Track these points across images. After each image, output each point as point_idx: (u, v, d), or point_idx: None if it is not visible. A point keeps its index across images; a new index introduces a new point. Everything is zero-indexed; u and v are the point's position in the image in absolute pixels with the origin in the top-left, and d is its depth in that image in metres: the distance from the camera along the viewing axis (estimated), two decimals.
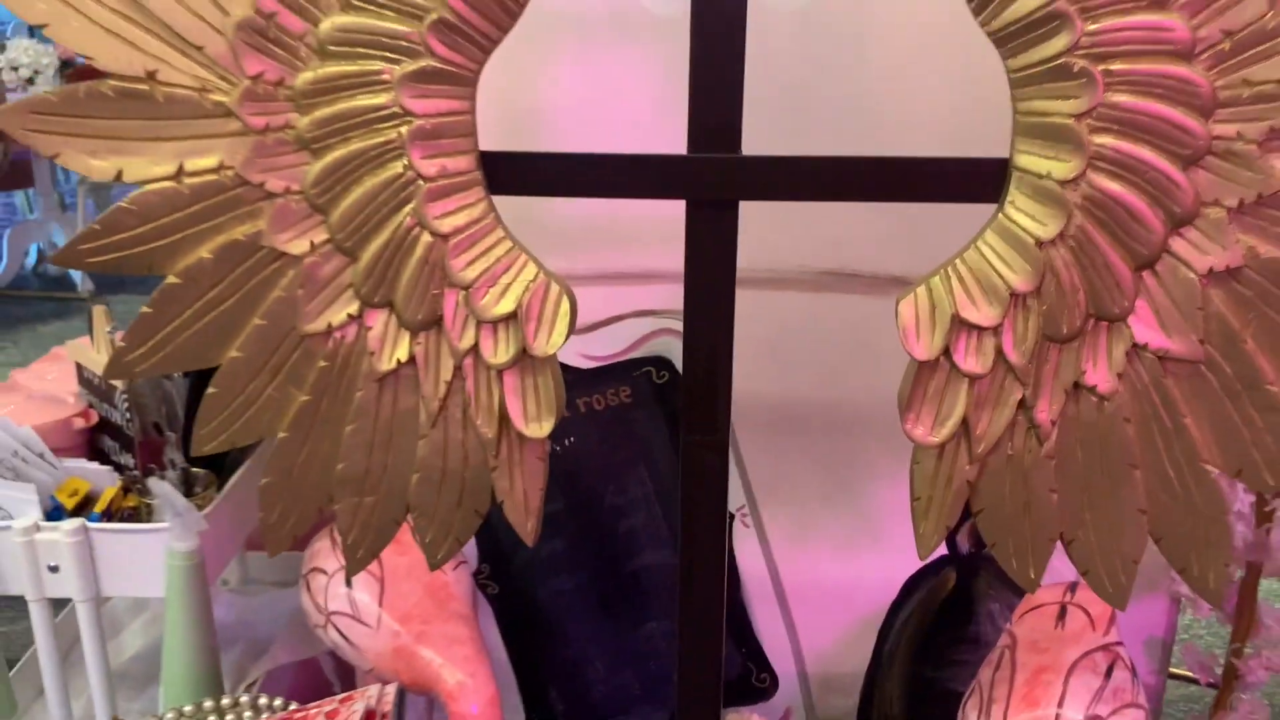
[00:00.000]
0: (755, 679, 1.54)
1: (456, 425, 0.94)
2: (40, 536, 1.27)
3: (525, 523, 0.96)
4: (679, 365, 1.45)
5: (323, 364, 0.94)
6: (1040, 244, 0.84)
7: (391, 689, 1.14)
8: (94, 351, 1.39)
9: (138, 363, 0.93)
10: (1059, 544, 0.93)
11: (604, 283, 1.44)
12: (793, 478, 1.51)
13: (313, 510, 0.98)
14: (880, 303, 0.97)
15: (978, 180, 0.87)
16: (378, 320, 0.92)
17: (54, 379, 1.51)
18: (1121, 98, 0.81)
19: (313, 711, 1.15)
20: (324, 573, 1.30)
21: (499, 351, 0.91)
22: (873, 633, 1.47)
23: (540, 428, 0.93)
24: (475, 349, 0.91)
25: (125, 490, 1.33)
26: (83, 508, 1.32)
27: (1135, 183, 0.82)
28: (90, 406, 1.43)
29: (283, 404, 0.95)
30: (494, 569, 1.50)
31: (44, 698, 1.38)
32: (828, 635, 1.55)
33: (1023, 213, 0.85)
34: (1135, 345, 0.86)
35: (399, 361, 0.93)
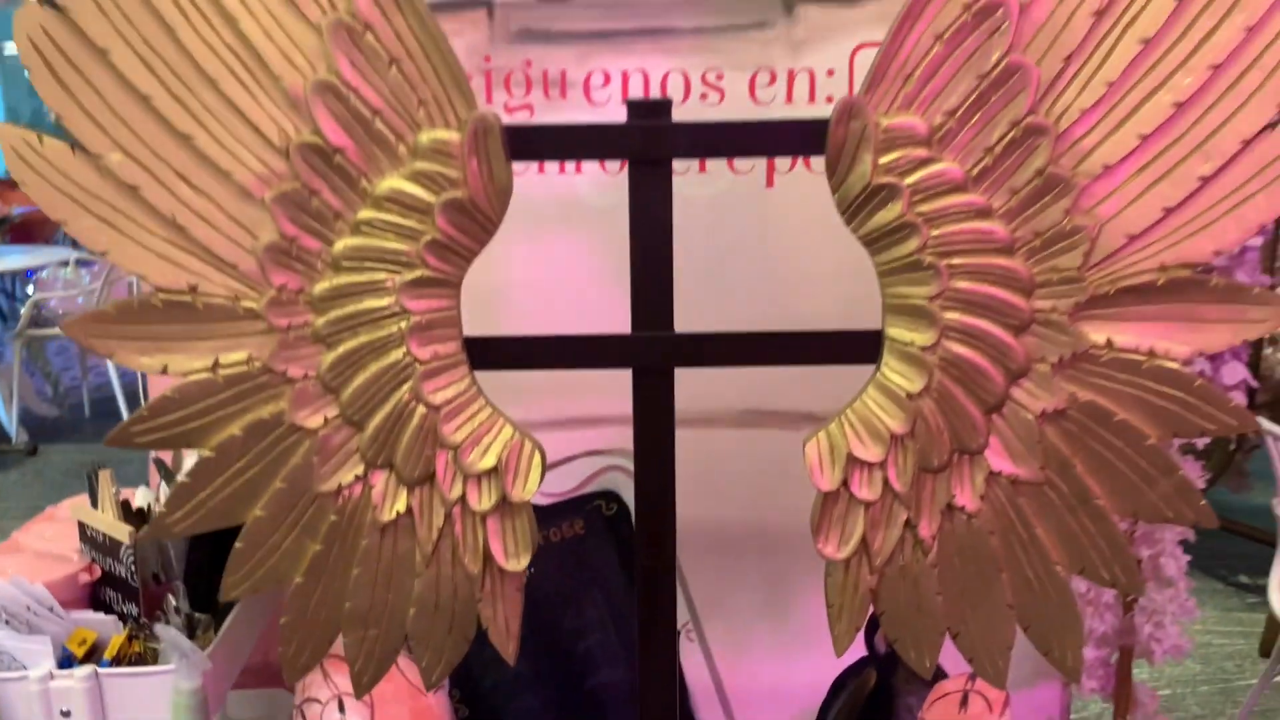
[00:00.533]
0: None
1: (447, 564, 1.13)
2: (55, 684, 1.40)
3: (507, 645, 1.14)
4: (626, 498, 1.66)
5: (333, 518, 1.12)
6: (910, 396, 1.07)
7: None
8: (99, 511, 1.54)
9: (177, 524, 1.10)
10: (947, 637, 1.14)
11: (557, 427, 1.64)
12: (731, 594, 1.70)
13: (325, 643, 1.15)
14: (796, 435, 1.18)
15: (861, 347, 1.11)
16: (380, 479, 1.11)
17: (52, 537, 1.64)
18: (963, 284, 1.06)
19: None
20: (318, 701, 1.44)
21: (483, 500, 1.10)
22: None
23: (519, 563, 1.12)
24: (463, 499, 1.11)
25: (131, 637, 1.46)
26: (90, 655, 1.45)
27: (979, 347, 1.06)
28: (94, 562, 1.57)
29: (299, 553, 1.13)
30: (465, 692, 1.65)
31: None
32: None
33: (895, 372, 1.08)
34: (992, 472, 1.09)
35: (398, 513, 1.11)
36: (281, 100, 1.03)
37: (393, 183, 1.04)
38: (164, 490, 1.61)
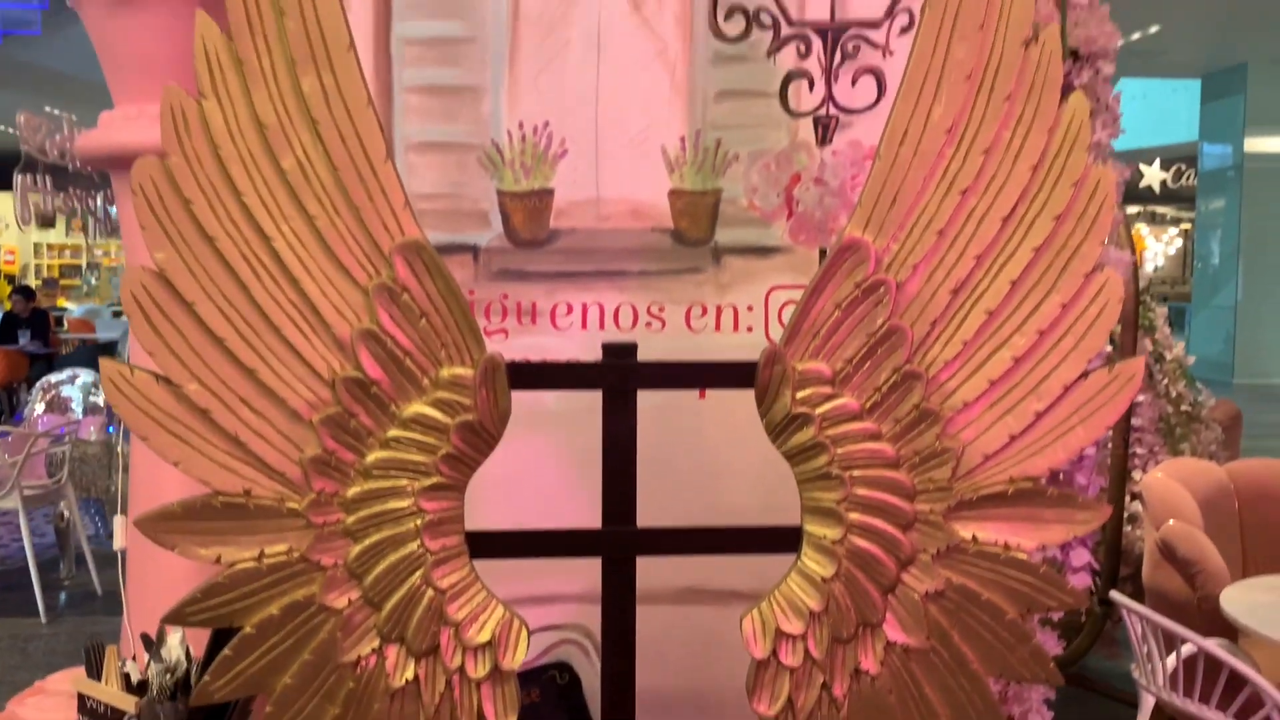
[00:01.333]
0: None
1: None
2: None
3: None
4: (577, 669, 1.89)
5: (351, 685, 1.33)
6: (824, 580, 1.36)
7: None
8: (102, 683, 1.70)
9: (218, 690, 1.30)
10: None
11: (517, 604, 1.87)
12: None
13: None
14: (727, 610, 1.43)
15: (784, 540, 1.40)
16: (393, 651, 1.33)
17: (50, 708, 1.79)
18: (862, 491, 1.36)
19: None
20: None
21: (479, 668, 1.34)
22: None
23: None
24: (461, 668, 1.34)
25: None
26: None
27: (877, 541, 1.36)
28: None
29: (319, 716, 1.33)
30: None
31: None
32: None
33: (812, 561, 1.37)
34: (889, 642, 1.37)
35: (407, 680, 1.34)
36: (331, 343, 1.30)
37: (417, 408, 1.32)
38: (151, 663, 1.78)
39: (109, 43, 2.09)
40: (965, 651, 1.38)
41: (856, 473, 1.36)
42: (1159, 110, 16.84)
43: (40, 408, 6.23)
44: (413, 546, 1.33)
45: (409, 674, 1.33)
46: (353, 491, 1.32)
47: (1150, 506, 3.31)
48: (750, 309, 1.87)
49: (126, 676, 1.74)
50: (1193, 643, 2.32)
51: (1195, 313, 15.12)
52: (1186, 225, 17.58)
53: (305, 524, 1.31)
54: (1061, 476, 1.75)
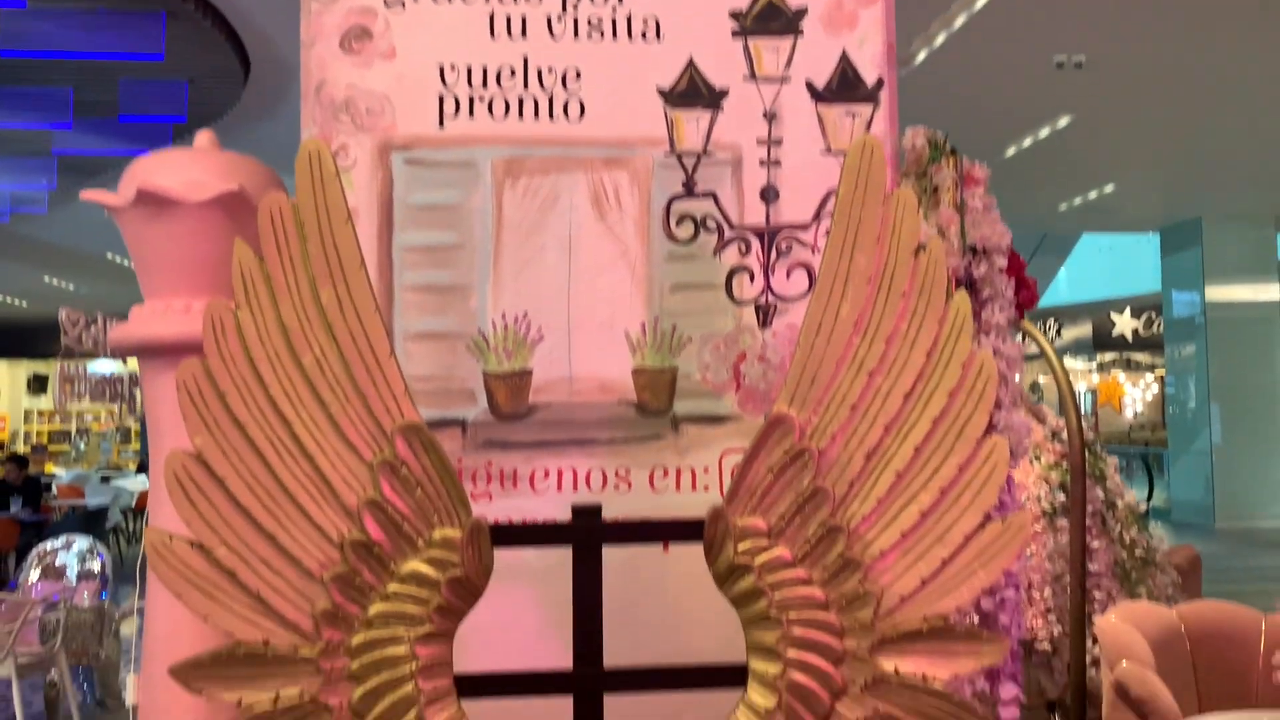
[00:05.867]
0: None
1: None
2: None
3: None
4: None
5: None
6: (767, 711, 1.56)
7: None
8: None
9: None
10: None
11: None
12: None
13: None
14: None
15: (733, 676, 1.60)
16: None
17: None
18: (797, 630, 1.58)
19: None
20: None
21: None
22: None
23: None
24: None
25: None
26: None
27: (811, 674, 1.57)
28: None
29: None
30: None
31: None
32: None
33: (756, 694, 1.57)
34: None
35: None
36: (340, 510, 1.54)
37: (413, 565, 1.54)
38: None
39: (143, 248, 2.39)
40: None
41: (792, 614, 1.58)
42: (1126, 261, 17.54)
43: (35, 574, 6.34)
44: (408, 688, 1.53)
45: None
46: (357, 640, 1.53)
47: (1105, 649, 3.48)
48: (706, 470, 2.11)
49: None
50: None
51: (1173, 458, 15.34)
52: (1162, 371, 18.03)
53: (315, 669, 1.52)
54: (986, 618, 1.96)
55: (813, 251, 2.07)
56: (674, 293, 2.11)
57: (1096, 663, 3.91)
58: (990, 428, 1.63)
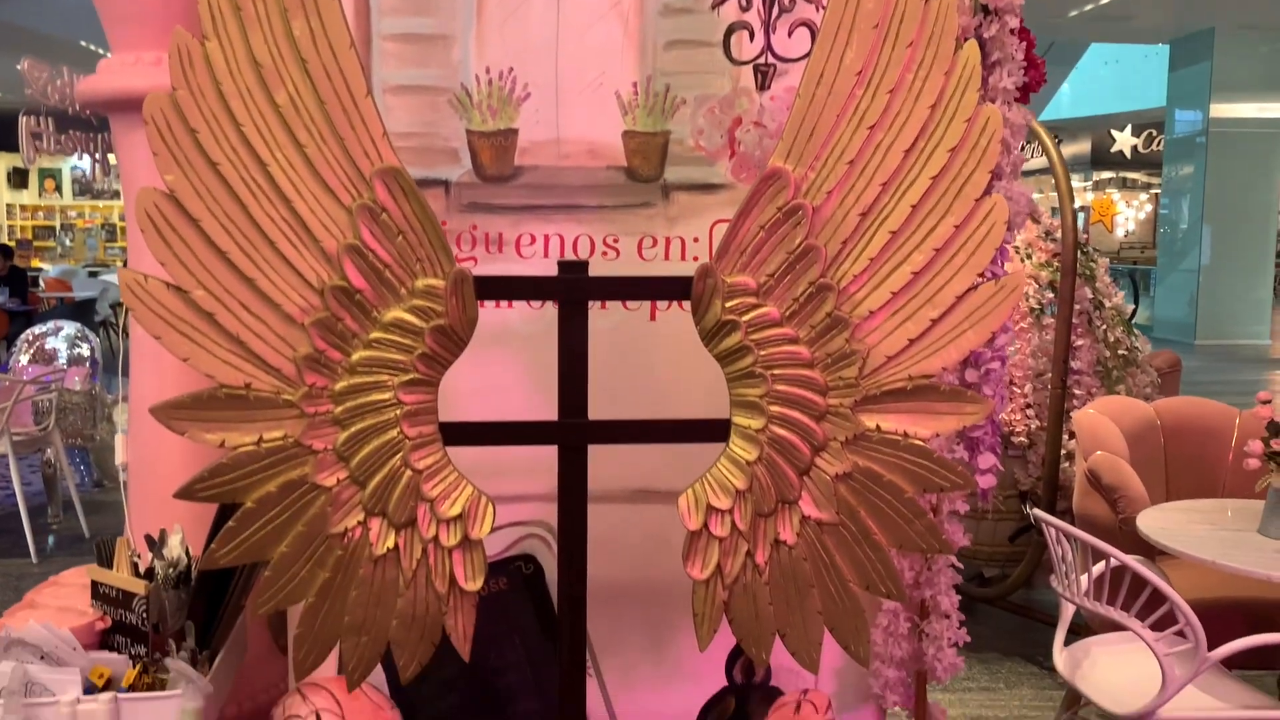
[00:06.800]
0: None
1: (422, 587, 1.55)
2: (82, 708, 1.74)
3: (464, 646, 1.57)
4: (541, 561, 2.10)
5: (339, 553, 1.54)
6: (749, 463, 1.57)
7: None
8: (115, 571, 1.90)
9: (223, 557, 1.51)
10: (778, 637, 1.61)
11: None
12: (622, 638, 2.14)
13: (327, 649, 1.55)
14: (674, 510, 1.62)
15: (716, 430, 1.61)
16: (376, 524, 1.54)
17: (64, 597, 1.99)
18: (781, 387, 1.57)
19: None
20: (299, 717, 1.81)
21: (450, 538, 1.54)
22: None
23: (475, 584, 1.55)
24: (436, 537, 1.54)
25: (144, 671, 1.81)
26: (107, 686, 1.80)
27: (793, 429, 1.58)
28: (105, 614, 1.92)
29: (311, 580, 1.54)
30: None
31: None
32: None
33: (739, 447, 1.58)
34: (804, 517, 1.59)
35: (388, 549, 1.54)
36: (320, 256, 1.50)
37: (396, 313, 1.52)
38: (155, 559, 1.98)
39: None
40: (870, 525, 1.60)
41: (777, 371, 1.57)
42: (1131, 76, 17.07)
43: (25, 359, 6.37)
44: (393, 434, 1.53)
45: (390, 543, 1.54)
46: (340, 386, 1.52)
47: (1081, 439, 3.56)
48: (696, 240, 2.07)
49: (135, 566, 1.95)
50: (1107, 553, 2.56)
51: (1161, 276, 15.41)
52: (1157, 191, 17.86)
53: (299, 413, 1.51)
54: (970, 390, 1.96)
55: (816, 8, 1.96)
56: (668, 50, 2.00)
57: (1071, 457, 4.01)
58: (988, 191, 1.58)
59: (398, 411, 1.53)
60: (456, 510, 1.54)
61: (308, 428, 1.52)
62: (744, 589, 1.59)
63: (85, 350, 6.52)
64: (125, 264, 1.99)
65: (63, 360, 6.36)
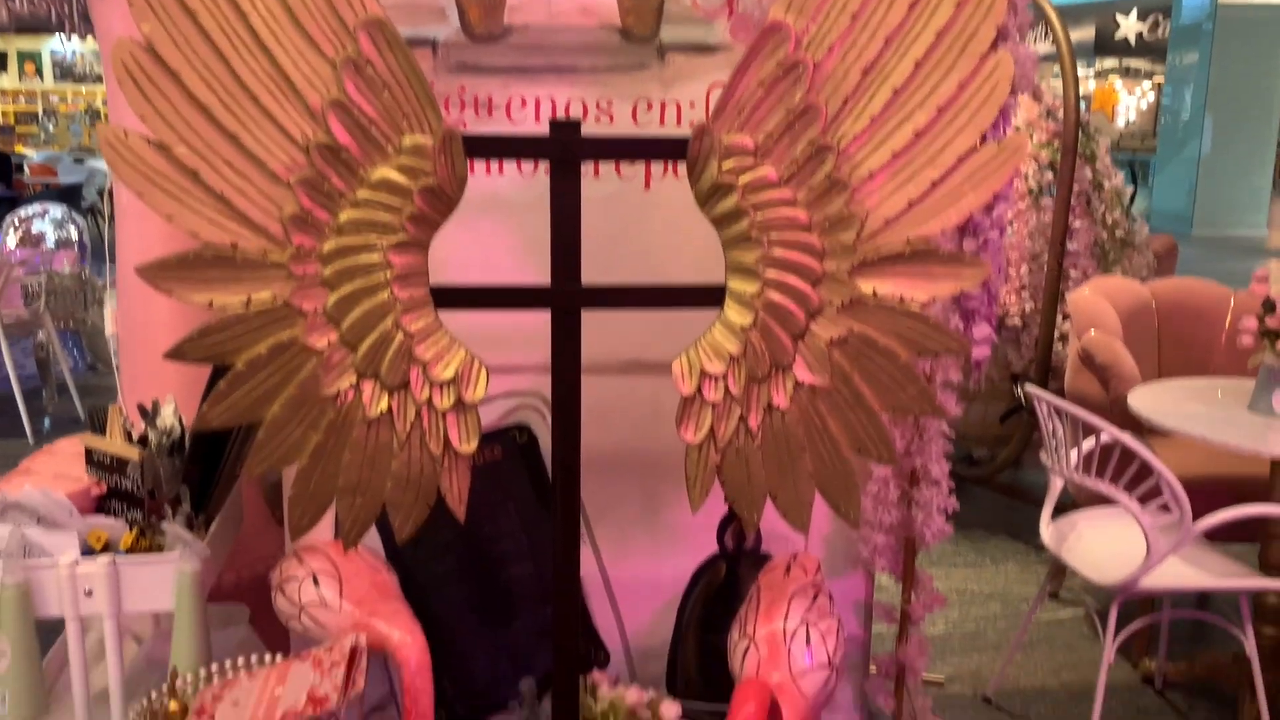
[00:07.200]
0: (594, 656, 2.15)
1: (416, 449, 1.55)
2: (80, 569, 1.76)
3: (459, 507, 1.58)
4: (535, 431, 2.11)
5: (331, 415, 1.53)
6: (743, 328, 1.56)
7: (363, 636, 1.70)
8: (108, 439, 1.90)
9: (215, 419, 1.50)
10: (769, 499, 1.62)
11: None
12: (615, 506, 2.16)
13: (322, 510, 1.56)
14: (666, 381, 1.61)
15: (711, 296, 1.59)
16: (368, 386, 1.53)
17: (59, 464, 1.99)
18: (777, 251, 1.55)
19: (307, 655, 1.68)
20: (295, 579, 1.84)
21: (444, 401, 1.54)
22: (674, 612, 2.12)
23: (469, 446, 1.55)
24: (429, 400, 1.54)
25: (140, 534, 1.83)
26: (105, 549, 1.81)
27: (788, 294, 1.56)
28: (100, 480, 1.93)
29: (304, 442, 1.54)
30: (401, 586, 2.06)
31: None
32: (643, 617, 2.18)
33: (733, 312, 1.57)
34: (797, 382, 1.58)
35: (381, 411, 1.54)
36: (304, 111, 1.45)
37: (383, 172, 1.48)
38: (148, 428, 1.98)
39: None
40: (863, 390, 1.59)
41: (773, 235, 1.55)
42: None
43: (12, 241, 6.30)
44: (384, 295, 1.51)
45: (383, 405, 1.54)
46: (328, 246, 1.49)
47: (1075, 319, 3.56)
48: (692, 104, 2.01)
49: (128, 434, 1.95)
50: (1097, 428, 2.58)
51: (1160, 166, 15.26)
52: (1160, 79, 17.53)
53: (287, 274, 1.49)
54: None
55: None
56: None
57: (1064, 338, 4.02)
58: (993, 48, 1.52)
59: (388, 274, 1.50)
60: (450, 373, 1.53)
61: (296, 289, 1.49)
62: (736, 453, 1.59)
63: (73, 234, 6.44)
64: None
65: (51, 243, 6.29)
